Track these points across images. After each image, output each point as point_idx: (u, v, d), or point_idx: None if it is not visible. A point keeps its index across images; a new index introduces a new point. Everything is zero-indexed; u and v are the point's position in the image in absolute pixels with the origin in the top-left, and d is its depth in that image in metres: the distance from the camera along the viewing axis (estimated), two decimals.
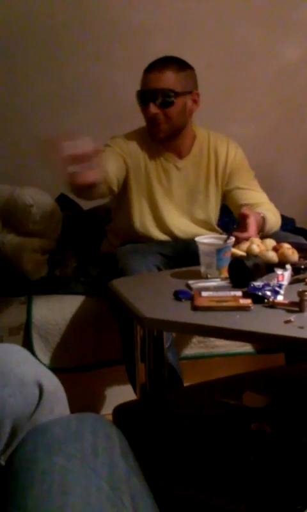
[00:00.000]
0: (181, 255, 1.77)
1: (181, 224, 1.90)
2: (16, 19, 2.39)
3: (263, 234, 1.68)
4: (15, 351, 0.90)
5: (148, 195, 1.86)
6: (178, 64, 1.76)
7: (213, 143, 1.90)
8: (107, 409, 1.57)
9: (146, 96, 1.74)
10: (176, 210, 1.89)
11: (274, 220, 1.77)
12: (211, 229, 1.94)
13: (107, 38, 2.49)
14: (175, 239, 1.90)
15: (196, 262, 1.46)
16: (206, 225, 1.94)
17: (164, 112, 1.75)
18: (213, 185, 1.91)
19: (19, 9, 2.39)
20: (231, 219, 2.08)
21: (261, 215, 1.68)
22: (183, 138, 1.85)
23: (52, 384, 0.87)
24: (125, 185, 1.84)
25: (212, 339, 1.92)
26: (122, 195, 1.87)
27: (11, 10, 2.37)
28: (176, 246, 1.85)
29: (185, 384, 1.73)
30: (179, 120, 1.78)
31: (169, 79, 1.73)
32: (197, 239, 1.45)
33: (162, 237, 1.89)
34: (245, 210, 1.59)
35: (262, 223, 1.67)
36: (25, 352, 0.92)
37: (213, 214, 1.96)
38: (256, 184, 1.91)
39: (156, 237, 1.88)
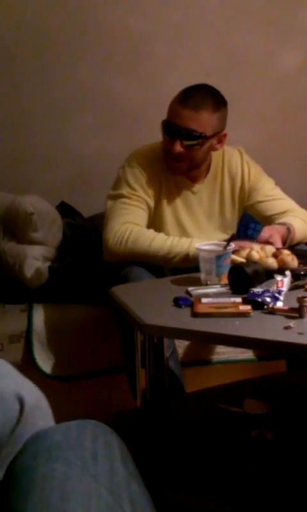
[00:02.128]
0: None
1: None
2: (14, 27, 2.41)
3: (292, 243, 1.68)
4: None
5: (159, 219, 1.83)
6: (216, 101, 1.68)
7: (228, 164, 1.86)
8: (107, 417, 1.57)
9: (174, 131, 1.66)
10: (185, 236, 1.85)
11: (303, 227, 1.77)
12: None
13: (107, 46, 2.51)
14: None
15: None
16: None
17: (188, 151, 1.69)
18: (229, 206, 1.88)
19: (17, 17, 2.40)
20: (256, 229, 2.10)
21: (286, 226, 1.67)
22: (200, 169, 1.80)
23: (34, 397, 0.85)
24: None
25: (213, 346, 1.92)
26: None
27: (9, 18, 2.39)
28: None
29: (186, 391, 1.72)
30: (201, 159, 1.75)
31: (203, 121, 1.65)
32: (196, 245, 1.46)
33: None
34: (260, 238, 1.58)
35: (287, 234, 1.67)
36: (5, 365, 0.89)
37: (231, 230, 1.92)
38: (278, 192, 1.90)
39: None
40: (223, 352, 1.94)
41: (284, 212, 1.83)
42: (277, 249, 1.51)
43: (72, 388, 1.87)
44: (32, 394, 0.84)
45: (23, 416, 0.80)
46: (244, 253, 1.47)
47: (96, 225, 2.22)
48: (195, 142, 1.67)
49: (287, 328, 1.14)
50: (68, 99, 2.52)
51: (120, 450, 0.82)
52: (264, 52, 2.67)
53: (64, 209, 2.29)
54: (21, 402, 0.81)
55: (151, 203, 1.78)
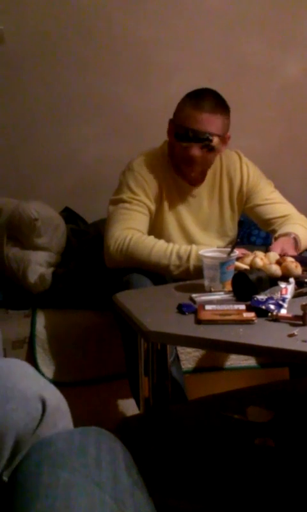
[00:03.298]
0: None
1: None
2: (19, 34, 2.43)
3: (300, 252, 1.70)
4: (18, 366, 0.90)
5: (160, 223, 1.83)
6: (225, 103, 1.72)
7: (226, 166, 1.87)
8: (111, 424, 1.57)
9: (191, 136, 1.67)
10: (187, 241, 1.86)
11: (305, 234, 1.77)
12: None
13: (110, 53, 2.53)
14: None
15: None
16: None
17: (203, 155, 1.70)
18: (228, 209, 1.89)
19: (22, 24, 2.42)
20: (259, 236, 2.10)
21: (292, 236, 1.68)
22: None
23: (55, 398, 0.87)
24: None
25: (216, 353, 1.91)
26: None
27: (14, 24, 2.41)
28: None
29: (188, 399, 1.72)
30: (212, 162, 1.77)
31: (220, 124, 1.68)
32: (200, 252, 1.46)
33: None
34: (273, 250, 1.57)
35: (295, 245, 1.68)
36: (28, 367, 0.92)
37: (232, 233, 1.93)
38: (277, 195, 1.90)
39: None
40: (226, 360, 1.93)
41: (282, 217, 1.84)
42: (281, 256, 1.51)
43: (75, 394, 1.85)
44: (54, 396, 0.86)
45: (45, 416, 0.82)
46: (248, 259, 1.47)
47: (100, 231, 2.22)
48: (212, 145, 1.69)
49: (291, 335, 1.14)
50: (72, 105, 2.53)
51: (124, 457, 0.83)
52: (267, 60, 2.68)
53: (68, 215, 2.30)
54: (43, 403, 0.82)
55: (153, 206, 1.79)
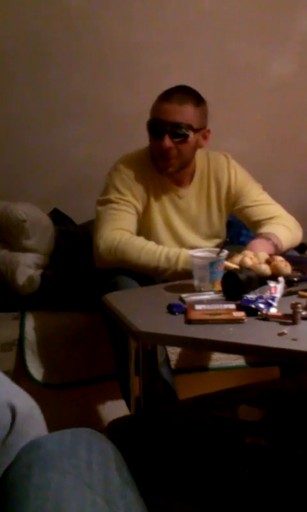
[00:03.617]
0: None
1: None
2: (9, 35, 2.42)
3: (283, 252, 1.69)
4: None
5: (148, 224, 1.83)
6: (197, 98, 1.72)
7: (213, 168, 1.87)
8: (101, 425, 1.56)
9: (160, 127, 1.69)
10: (175, 242, 1.86)
11: (289, 235, 1.77)
12: None
13: (100, 54, 2.53)
14: None
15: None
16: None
17: (177, 147, 1.70)
18: (215, 211, 1.89)
19: (12, 25, 2.42)
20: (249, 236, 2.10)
21: (271, 242, 1.67)
22: (185, 169, 1.81)
23: (26, 405, 0.84)
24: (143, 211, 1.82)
25: (206, 352, 1.91)
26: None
27: (3, 26, 2.40)
28: None
29: (179, 399, 1.72)
30: (189, 155, 1.76)
31: (189, 113, 1.68)
32: (190, 252, 1.46)
33: None
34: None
35: (275, 248, 1.67)
36: None
37: (220, 234, 1.94)
38: (266, 196, 1.90)
39: None
40: (216, 359, 1.94)
41: (271, 218, 1.84)
42: (270, 255, 1.51)
43: (65, 396, 1.85)
44: (25, 403, 0.84)
45: (15, 425, 0.80)
46: (237, 259, 1.47)
47: (89, 232, 2.22)
48: (183, 134, 1.69)
49: (281, 334, 1.15)
50: (61, 107, 2.53)
51: (115, 458, 0.82)
52: (258, 61, 2.69)
53: (57, 216, 2.29)
54: (13, 411, 0.80)
55: (140, 206, 1.79)
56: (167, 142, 1.69)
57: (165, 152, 1.71)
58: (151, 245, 1.68)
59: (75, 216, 2.36)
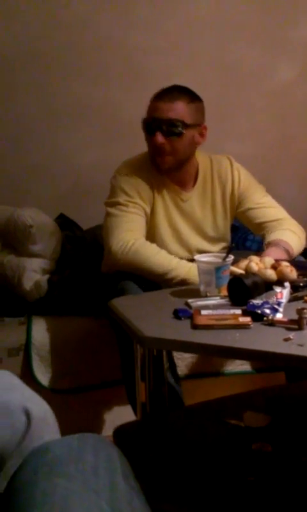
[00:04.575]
0: None
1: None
2: (12, 41, 2.44)
3: (293, 257, 1.71)
4: (1, 378, 0.89)
5: (153, 227, 1.83)
6: (190, 95, 1.74)
7: (217, 170, 1.87)
8: (108, 430, 1.56)
9: (153, 124, 1.71)
10: (180, 245, 1.87)
11: (298, 241, 1.78)
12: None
13: (104, 59, 2.54)
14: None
15: None
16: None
17: (170, 143, 1.72)
18: (220, 214, 1.89)
19: (15, 30, 2.43)
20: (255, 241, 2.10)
21: (284, 249, 1.68)
22: (187, 169, 1.82)
23: (41, 409, 0.86)
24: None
25: (212, 358, 1.91)
26: None
27: (7, 31, 2.42)
28: None
29: (186, 405, 1.72)
30: (185, 152, 1.76)
31: (180, 110, 1.70)
32: (196, 257, 1.46)
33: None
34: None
35: (288, 255, 1.68)
36: (12, 378, 0.90)
37: (226, 238, 1.94)
38: (269, 199, 1.90)
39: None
40: (222, 365, 1.93)
41: (274, 221, 1.83)
42: (276, 260, 1.51)
43: (71, 401, 1.86)
44: (39, 407, 0.85)
45: (29, 429, 0.81)
46: (243, 264, 1.47)
47: (96, 237, 2.23)
48: (176, 130, 1.70)
49: (287, 339, 1.14)
50: (66, 111, 2.54)
51: (121, 464, 0.82)
52: (260, 65, 2.70)
53: (63, 222, 2.30)
54: (28, 415, 0.81)
55: (148, 209, 1.80)
56: (160, 138, 1.71)
57: (159, 148, 1.73)
58: (164, 253, 1.70)
59: (82, 221, 2.36)
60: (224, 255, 1.44)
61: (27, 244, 2.02)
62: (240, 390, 1.77)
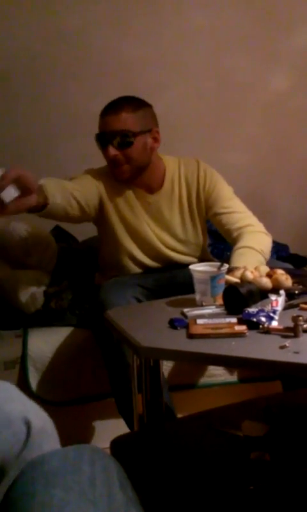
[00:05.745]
0: (165, 286, 1.77)
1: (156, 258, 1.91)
2: (7, 54, 2.46)
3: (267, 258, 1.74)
4: (1, 389, 0.89)
5: (116, 232, 1.85)
6: (133, 104, 1.75)
7: (184, 173, 1.88)
8: (104, 442, 1.55)
9: (104, 138, 1.75)
10: (145, 254, 1.88)
11: (268, 241, 1.81)
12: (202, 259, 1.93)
13: (99, 71, 2.57)
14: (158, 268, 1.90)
15: (181, 292, 1.49)
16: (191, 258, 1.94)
17: (123, 153, 1.74)
18: (188, 216, 1.89)
19: (10, 43, 2.46)
20: (226, 247, 2.09)
21: (255, 249, 1.70)
22: (150, 174, 1.83)
23: (41, 420, 0.86)
24: (103, 218, 1.85)
25: (209, 368, 1.91)
26: (102, 227, 1.89)
27: (4, 47, 2.45)
28: (159, 279, 1.86)
29: (181, 415, 1.71)
30: (140, 159, 1.77)
31: (126, 120, 1.72)
32: (191, 266, 1.47)
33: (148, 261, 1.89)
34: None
35: (262, 253, 1.72)
36: (12, 389, 0.90)
37: (196, 242, 1.95)
38: (236, 202, 1.89)
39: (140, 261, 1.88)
40: (220, 374, 1.93)
41: (241, 227, 1.82)
42: (271, 268, 1.52)
43: (68, 413, 1.84)
44: (39, 418, 0.85)
45: (30, 439, 0.81)
46: (238, 273, 1.48)
47: (92, 248, 2.24)
48: (126, 140, 1.72)
49: (283, 347, 1.15)
50: (60, 124, 2.56)
51: (118, 475, 0.82)
52: (254, 76, 2.74)
53: (59, 233, 2.30)
54: (28, 426, 0.81)
55: (96, 198, 1.80)
56: (112, 150, 1.74)
57: (113, 160, 1.75)
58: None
59: (77, 233, 2.37)
60: (219, 264, 1.45)
61: (22, 256, 2.02)
62: (234, 400, 1.76)
